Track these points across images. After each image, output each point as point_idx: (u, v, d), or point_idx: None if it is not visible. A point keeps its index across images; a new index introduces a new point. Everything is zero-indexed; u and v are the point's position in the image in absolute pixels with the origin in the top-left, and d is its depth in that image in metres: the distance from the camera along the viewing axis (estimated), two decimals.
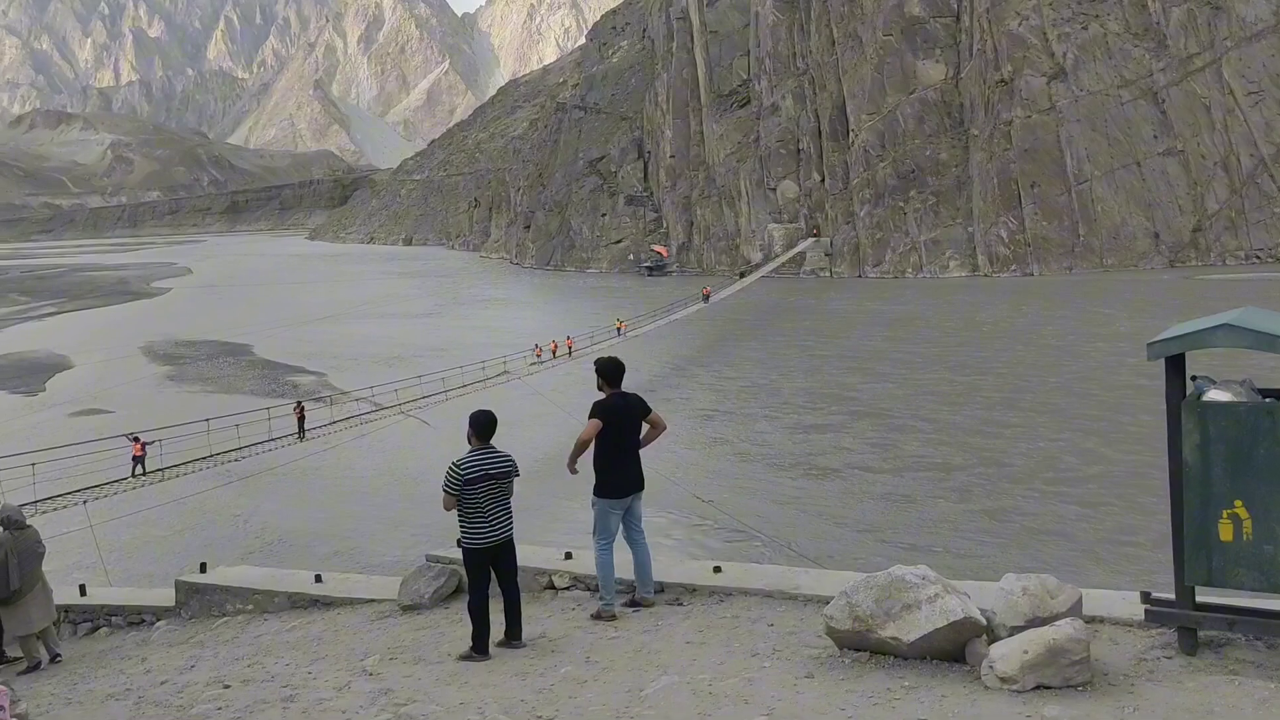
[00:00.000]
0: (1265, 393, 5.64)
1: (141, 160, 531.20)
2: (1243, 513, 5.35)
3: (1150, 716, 4.85)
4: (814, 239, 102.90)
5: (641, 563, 8.14)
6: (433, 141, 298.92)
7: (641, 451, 8.25)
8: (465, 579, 8.23)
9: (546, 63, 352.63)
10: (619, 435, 7.94)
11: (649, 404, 8.34)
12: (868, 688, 5.54)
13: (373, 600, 9.60)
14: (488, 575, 7.68)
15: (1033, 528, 27.35)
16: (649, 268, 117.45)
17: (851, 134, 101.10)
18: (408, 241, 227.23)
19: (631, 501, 8.12)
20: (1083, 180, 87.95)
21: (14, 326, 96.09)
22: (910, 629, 5.76)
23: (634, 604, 8.01)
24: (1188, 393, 5.64)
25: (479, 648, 7.39)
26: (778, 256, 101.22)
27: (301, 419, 31.03)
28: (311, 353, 69.07)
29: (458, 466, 7.51)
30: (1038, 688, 5.20)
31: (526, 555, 9.33)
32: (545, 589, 8.95)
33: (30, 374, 65.75)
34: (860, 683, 5.64)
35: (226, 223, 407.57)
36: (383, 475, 36.34)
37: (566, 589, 8.78)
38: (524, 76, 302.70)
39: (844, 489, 32.45)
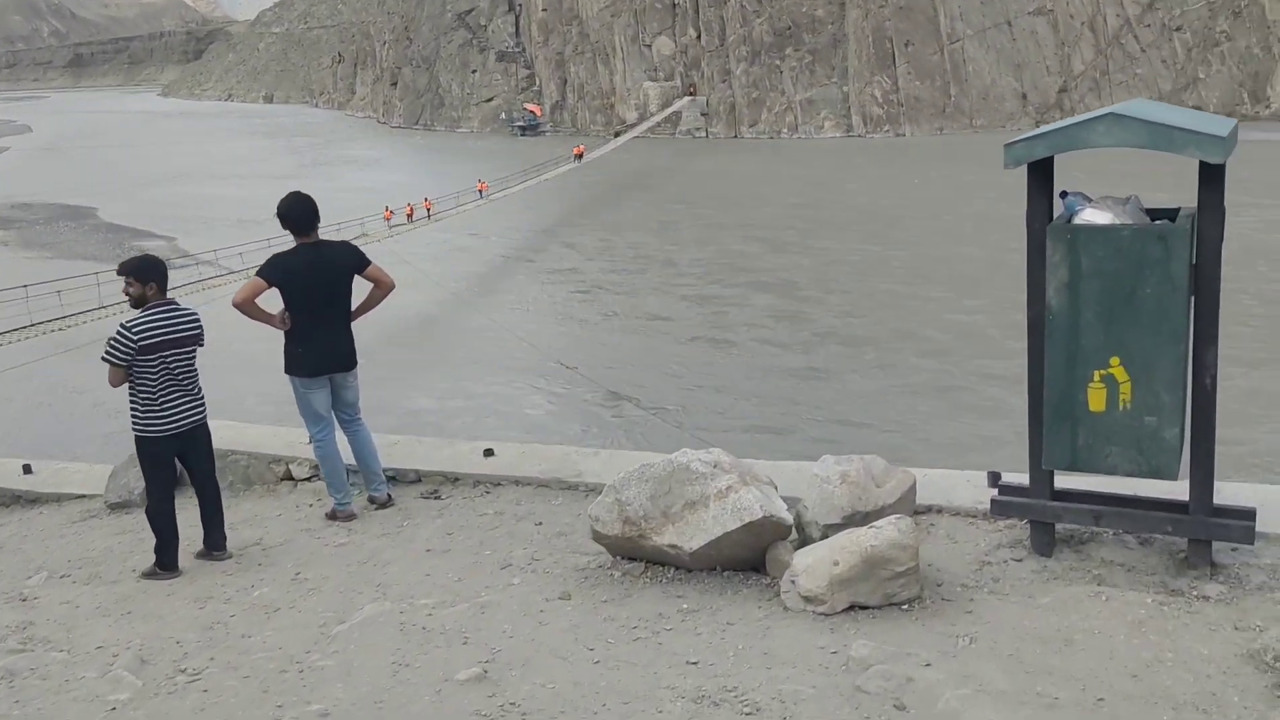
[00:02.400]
0: (1155, 214, 4.46)
1: None
2: (1120, 373, 4.20)
3: (988, 650, 3.81)
4: (690, 98, 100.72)
5: (360, 453, 6.72)
6: None
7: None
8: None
9: None
10: (308, 299, 6.35)
11: (365, 255, 6.82)
12: (632, 613, 4.45)
13: (84, 496, 7.93)
14: (174, 470, 6.26)
15: (965, 404, 26.36)
16: (521, 127, 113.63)
17: None
18: (269, 99, 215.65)
19: (340, 381, 6.63)
20: (955, 40, 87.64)
21: None
22: (694, 533, 4.61)
23: (373, 501, 6.72)
24: (1054, 215, 4.46)
25: (164, 562, 6.01)
26: (653, 116, 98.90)
27: None
28: (162, 215, 65.10)
29: (128, 329, 5.83)
30: (850, 608, 4.17)
31: (262, 438, 8.11)
32: (282, 480, 7.48)
33: None
34: (625, 605, 4.54)
35: (71, 77, 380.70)
36: (222, 341, 34.32)
37: (307, 479, 7.32)
38: None
39: (748, 363, 31.17)
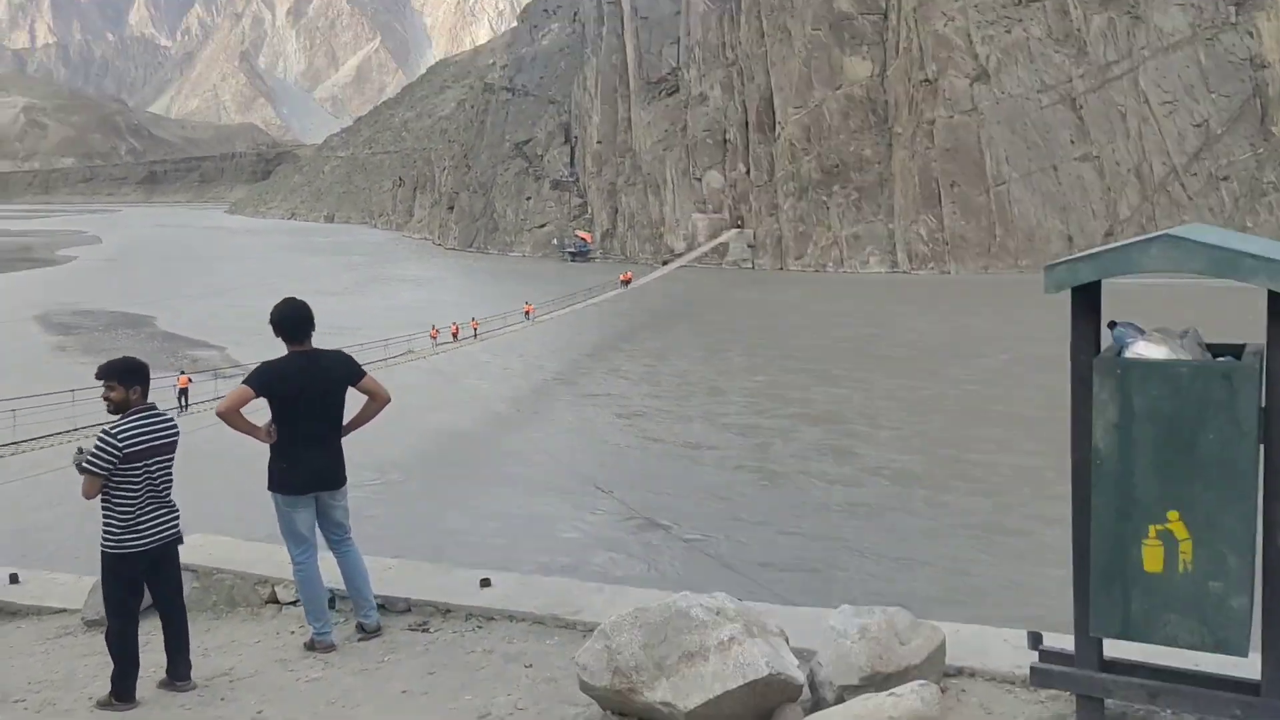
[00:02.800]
0: (1217, 349, 3.91)
1: (56, 125, 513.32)
2: (1179, 530, 3.60)
3: None
4: (737, 230, 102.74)
5: (350, 577, 6.24)
6: (359, 119, 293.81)
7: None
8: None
9: (479, 44, 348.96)
10: (295, 411, 5.94)
11: (359, 366, 6.41)
12: None
13: (64, 610, 7.49)
14: (141, 591, 5.74)
15: (1019, 549, 25.04)
16: (572, 253, 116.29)
17: (778, 126, 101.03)
18: (330, 219, 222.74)
19: (327, 499, 6.19)
20: (1001, 182, 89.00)
21: None
22: (690, 690, 4.05)
23: (361, 629, 6.20)
24: (1102, 347, 3.96)
25: (120, 691, 5.50)
26: (701, 246, 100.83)
27: (184, 391, 29.54)
28: (216, 326, 66.89)
29: (113, 435, 5.42)
30: None
31: (254, 556, 7.49)
32: (267, 602, 6.94)
33: None
34: None
35: (144, 193, 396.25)
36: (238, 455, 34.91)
37: (293, 603, 6.76)
38: (454, 56, 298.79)
39: (793, 496, 30.25)
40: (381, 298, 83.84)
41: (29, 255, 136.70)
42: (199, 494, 29.68)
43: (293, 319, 6.09)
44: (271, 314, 6.11)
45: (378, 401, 6.25)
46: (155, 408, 5.81)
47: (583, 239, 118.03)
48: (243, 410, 5.86)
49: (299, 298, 6.26)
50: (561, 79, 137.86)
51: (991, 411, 39.71)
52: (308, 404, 5.97)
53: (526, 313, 52.02)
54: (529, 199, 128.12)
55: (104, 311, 75.14)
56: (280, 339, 6.13)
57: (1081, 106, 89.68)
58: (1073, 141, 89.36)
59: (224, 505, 29.22)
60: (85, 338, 63.51)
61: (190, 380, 30.51)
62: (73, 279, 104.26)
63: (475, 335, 45.21)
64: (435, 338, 43.45)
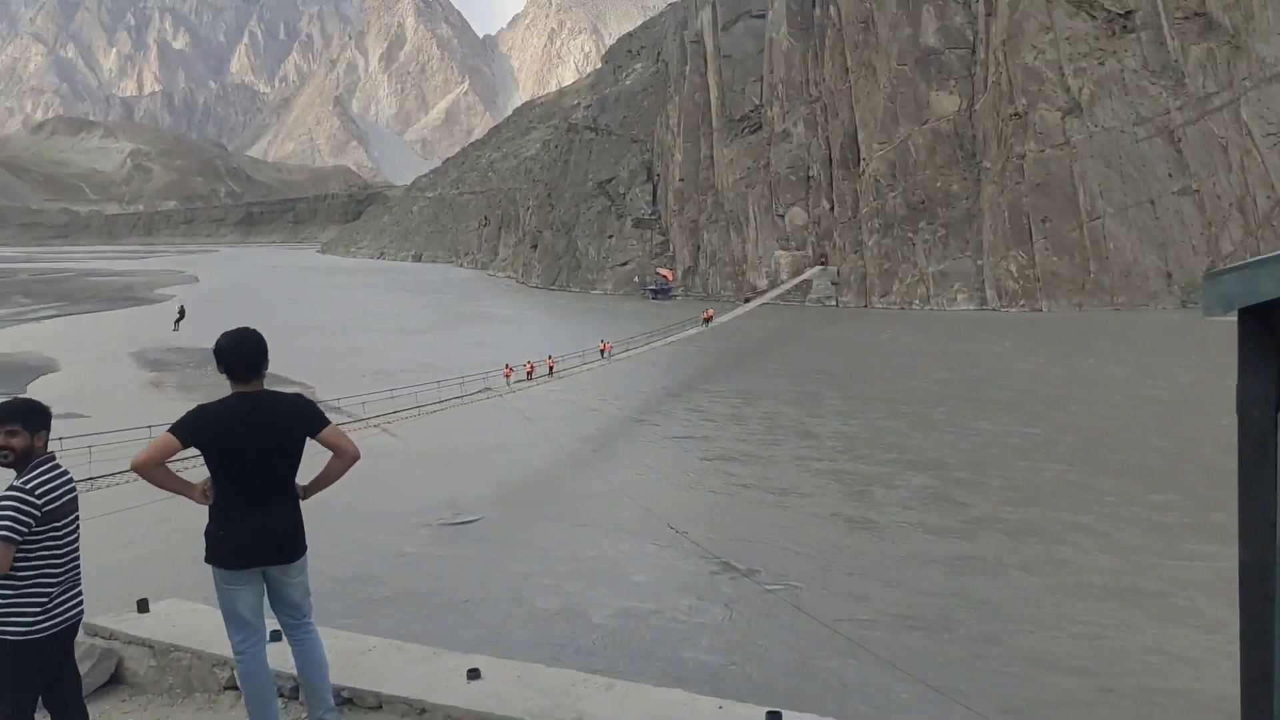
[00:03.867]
0: None
1: (160, 169, 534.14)
2: None
3: None
4: (821, 267, 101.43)
5: (306, 670, 5.19)
6: (447, 160, 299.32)
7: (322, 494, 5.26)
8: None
9: (564, 85, 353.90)
10: (237, 467, 4.87)
11: (321, 414, 5.26)
12: None
13: None
14: (39, 683, 4.67)
15: (1157, 610, 23.02)
16: (653, 291, 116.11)
17: (862, 163, 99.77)
18: (417, 258, 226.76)
19: (277, 576, 5.12)
20: (1095, 217, 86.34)
21: (9, 328, 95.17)
22: None
23: None
24: None
25: None
26: (784, 283, 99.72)
27: None
28: (302, 364, 67.72)
29: (28, 491, 4.53)
30: None
31: (215, 632, 6.16)
32: (226, 689, 5.91)
33: (14, 375, 64.50)
34: None
35: (240, 233, 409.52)
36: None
37: None
38: (540, 98, 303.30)
39: (892, 547, 28.37)
40: (463, 335, 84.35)
41: (130, 294, 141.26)
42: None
43: (238, 352, 5.03)
44: (216, 344, 5.08)
45: (344, 459, 5.21)
46: (53, 456, 4.83)
47: (664, 277, 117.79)
48: (166, 463, 4.75)
49: (252, 327, 5.20)
50: (644, 118, 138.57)
51: (1111, 460, 36.86)
52: (253, 458, 4.88)
53: (602, 350, 51.34)
54: (611, 237, 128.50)
55: (197, 349, 76.63)
56: (222, 371, 5.09)
57: (1180, 139, 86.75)
58: (1171, 175, 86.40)
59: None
60: (178, 373, 64.83)
61: None
62: (169, 317, 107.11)
63: (551, 373, 44.63)
64: (509, 376, 42.99)
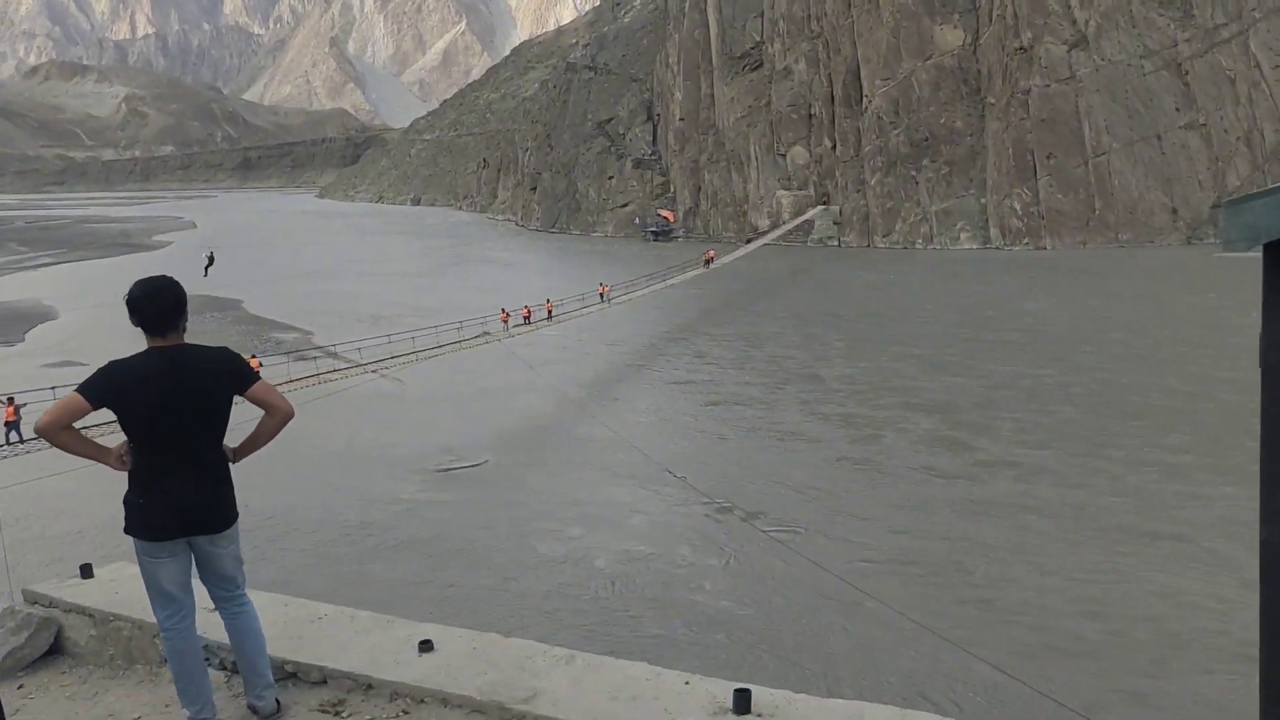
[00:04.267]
0: None
1: (156, 114, 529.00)
2: None
3: None
4: (823, 207, 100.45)
5: (240, 646, 4.77)
6: (444, 101, 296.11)
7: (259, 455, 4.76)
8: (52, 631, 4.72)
9: (563, 24, 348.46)
10: (155, 429, 4.42)
11: (248, 368, 4.72)
12: None
13: None
14: None
15: (1177, 554, 22.58)
16: (654, 232, 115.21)
17: (865, 100, 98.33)
18: (416, 201, 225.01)
19: (205, 546, 4.68)
20: (1100, 152, 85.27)
21: (7, 276, 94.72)
22: None
23: (254, 712, 4.77)
24: None
25: None
26: (785, 223, 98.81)
27: (13, 425, 28.96)
28: (301, 309, 67.48)
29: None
30: None
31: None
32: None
33: (13, 323, 64.33)
34: None
35: (238, 178, 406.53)
36: (331, 440, 34.63)
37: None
38: (538, 37, 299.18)
39: (902, 490, 27.92)
40: (462, 279, 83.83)
41: (127, 241, 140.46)
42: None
43: (153, 302, 4.49)
44: (128, 292, 4.53)
45: (276, 417, 4.64)
46: None
47: (665, 218, 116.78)
48: (75, 425, 4.29)
49: (169, 275, 4.72)
50: (644, 56, 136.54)
51: (1125, 402, 36.22)
52: (173, 419, 4.40)
53: (601, 294, 50.68)
54: (611, 178, 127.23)
55: (193, 295, 75.01)
56: (140, 329, 4.51)
57: (1187, 72, 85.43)
58: (1178, 109, 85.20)
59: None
60: None
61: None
62: (167, 263, 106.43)
63: (549, 317, 44.11)
64: (506, 321, 42.49)
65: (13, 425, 27.85)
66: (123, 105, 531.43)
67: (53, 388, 25.62)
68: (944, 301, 62.78)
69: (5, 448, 27.21)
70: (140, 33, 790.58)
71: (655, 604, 21.09)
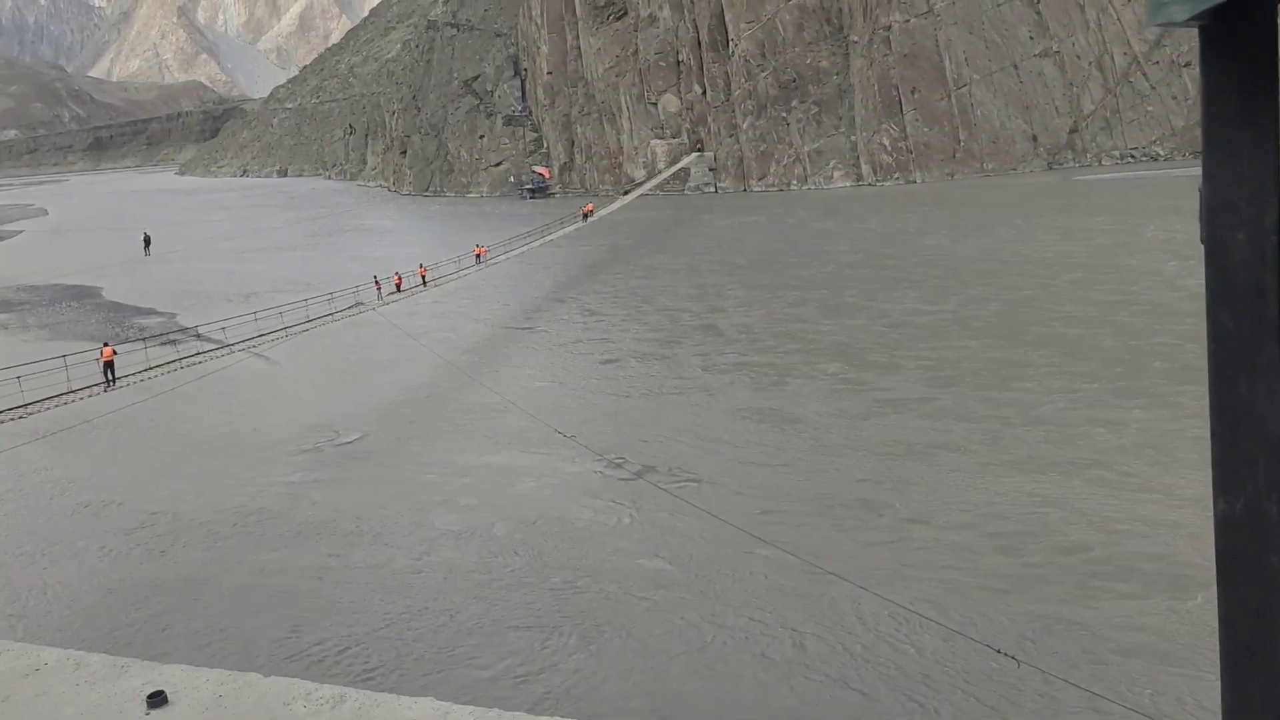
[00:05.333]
0: None
1: None
2: None
3: None
4: (697, 154, 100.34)
5: None
6: (304, 68, 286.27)
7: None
8: None
9: None
10: None
11: None
12: None
13: None
14: None
15: (1101, 479, 22.53)
16: (530, 190, 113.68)
17: (731, 44, 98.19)
18: (283, 173, 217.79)
19: None
20: (962, 84, 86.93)
21: None
22: None
23: None
24: None
25: None
26: (661, 173, 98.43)
27: (110, 364, 27.57)
28: (165, 292, 64.50)
29: None
30: None
31: None
32: None
33: None
34: None
35: (91, 160, 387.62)
36: (210, 425, 33.16)
37: None
38: None
39: (813, 438, 27.22)
40: (336, 251, 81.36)
41: None
42: (149, 474, 28.12)
43: None
44: None
45: None
46: None
47: (540, 174, 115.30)
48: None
49: None
50: (506, 10, 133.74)
51: (1029, 333, 36.26)
52: None
53: (478, 255, 49.32)
54: (482, 137, 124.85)
55: (48, 285, 72.32)
56: None
57: (1039, 1, 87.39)
58: (1032, 37, 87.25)
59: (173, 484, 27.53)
60: (28, 313, 60.97)
61: (115, 352, 28.43)
62: (18, 253, 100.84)
63: (424, 284, 42.78)
64: (379, 290, 41.11)
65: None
66: None
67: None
68: (832, 243, 62.89)
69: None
70: None
71: (562, 568, 20.66)
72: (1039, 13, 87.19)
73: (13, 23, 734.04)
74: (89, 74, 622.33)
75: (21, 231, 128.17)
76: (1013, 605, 17.50)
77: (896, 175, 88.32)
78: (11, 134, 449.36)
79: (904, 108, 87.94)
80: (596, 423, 30.49)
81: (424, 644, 18.03)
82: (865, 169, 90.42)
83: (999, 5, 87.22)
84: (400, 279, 42.34)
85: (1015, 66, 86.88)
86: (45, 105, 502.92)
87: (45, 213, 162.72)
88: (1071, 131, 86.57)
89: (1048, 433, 26.05)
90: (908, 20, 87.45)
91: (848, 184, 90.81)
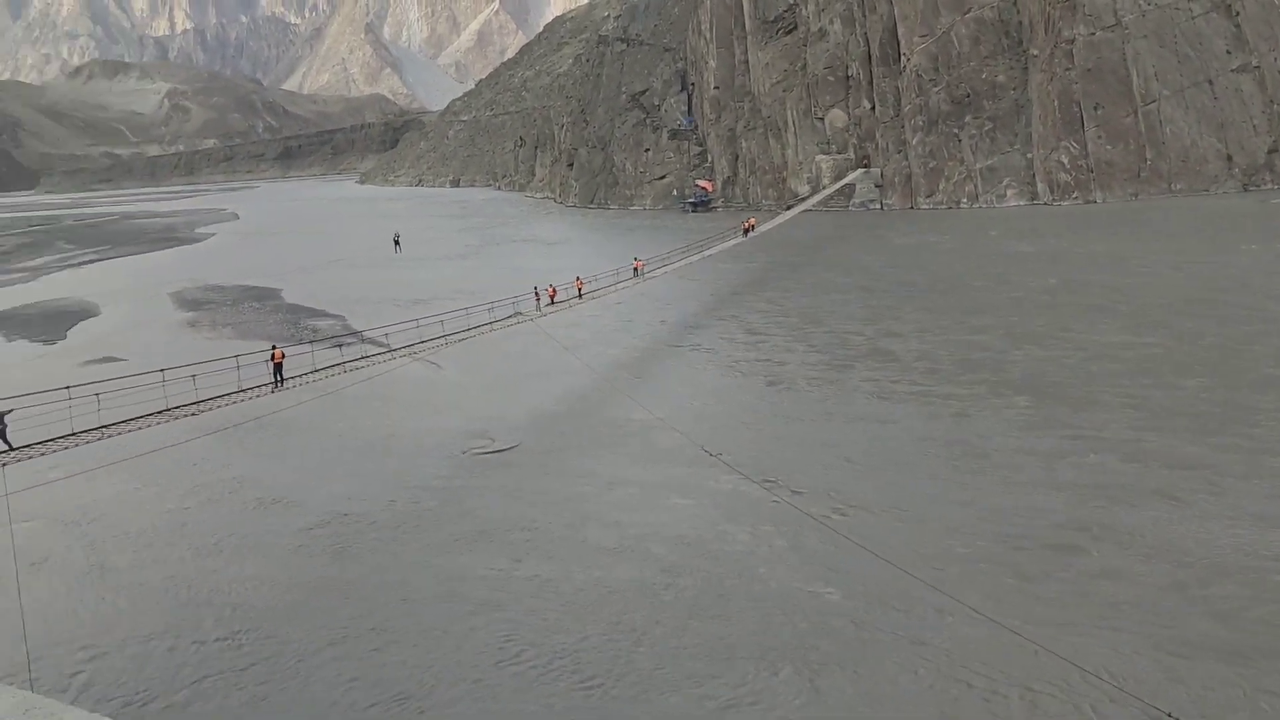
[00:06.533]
0: None
1: (198, 109, 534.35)
2: None
3: None
4: (864, 170, 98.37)
5: None
6: (480, 81, 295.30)
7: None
8: None
9: None
10: None
11: None
12: None
13: None
14: None
15: None
16: (692, 203, 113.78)
17: (903, 58, 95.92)
18: (455, 183, 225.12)
19: None
20: (1150, 100, 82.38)
21: (51, 275, 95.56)
22: None
23: None
24: None
25: None
26: (826, 188, 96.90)
27: (279, 366, 28.61)
28: (338, 296, 67.16)
29: None
30: None
31: None
32: None
33: (55, 321, 64.66)
34: None
35: (280, 168, 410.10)
36: (353, 429, 34.04)
37: None
38: (571, 12, 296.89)
39: (1003, 476, 25.21)
40: (500, 260, 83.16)
41: (171, 235, 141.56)
42: (316, 473, 29.13)
43: None
44: None
45: None
46: None
47: (703, 188, 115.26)
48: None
49: None
50: (676, 25, 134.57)
51: (1254, 373, 32.34)
52: None
53: (636, 269, 49.25)
54: (647, 151, 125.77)
55: (234, 286, 76.39)
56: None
57: (1238, 13, 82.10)
58: (1229, 52, 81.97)
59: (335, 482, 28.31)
60: (215, 312, 64.39)
61: (284, 355, 29.35)
62: (209, 256, 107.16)
63: (580, 296, 42.92)
64: (539, 300, 41.46)
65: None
66: (165, 101, 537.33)
67: (67, 387, 24.94)
68: (1016, 264, 58.73)
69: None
70: (179, 28, 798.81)
71: (715, 596, 20.25)
72: (1238, 26, 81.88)
73: (217, 39, 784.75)
74: (282, 87, 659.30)
75: (214, 235, 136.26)
76: (1237, 682, 15.61)
77: (1075, 194, 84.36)
78: (211, 143, 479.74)
79: (1085, 124, 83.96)
80: (757, 446, 29.49)
81: (628, 663, 18.04)
82: (1041, 187, 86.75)
83: (1194, 18, 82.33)
84: (554, 291, 42.63)
85: (1210, 82, 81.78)
86: (242, 116, 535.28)
87: (236, 217, 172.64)
88: (1271, 151, 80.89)
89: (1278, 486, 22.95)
90: (1093, 33, 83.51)
91: (1021, 202, 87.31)
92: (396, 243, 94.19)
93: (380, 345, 38.52)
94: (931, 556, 20.82)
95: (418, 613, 20.31)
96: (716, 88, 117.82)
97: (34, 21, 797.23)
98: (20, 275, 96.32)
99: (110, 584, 22.56)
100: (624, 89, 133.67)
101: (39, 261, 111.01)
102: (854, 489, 25.27)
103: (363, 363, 31.00)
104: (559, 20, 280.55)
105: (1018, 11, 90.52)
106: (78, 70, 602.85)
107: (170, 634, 19.98)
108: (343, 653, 18.87)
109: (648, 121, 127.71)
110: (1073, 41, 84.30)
